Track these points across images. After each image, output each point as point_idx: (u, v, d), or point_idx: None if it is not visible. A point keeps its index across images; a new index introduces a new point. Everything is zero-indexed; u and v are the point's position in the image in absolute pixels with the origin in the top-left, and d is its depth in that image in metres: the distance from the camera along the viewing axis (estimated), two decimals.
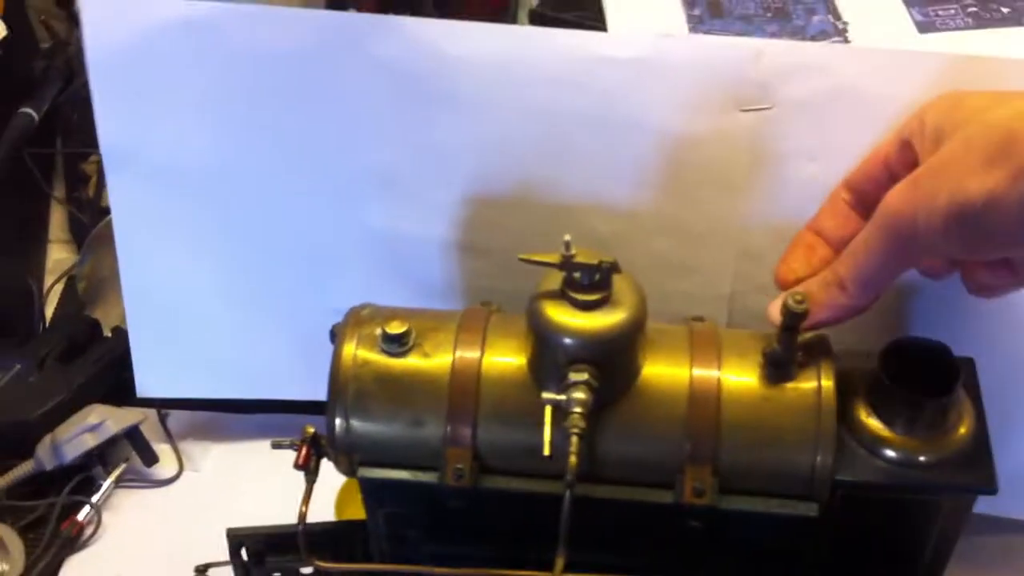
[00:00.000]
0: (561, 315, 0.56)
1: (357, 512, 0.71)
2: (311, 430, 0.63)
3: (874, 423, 0.59)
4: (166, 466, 0.86)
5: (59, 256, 1.01)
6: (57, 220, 1.03)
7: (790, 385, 0.59)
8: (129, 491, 0.84)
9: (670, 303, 0.70)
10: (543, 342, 0.57)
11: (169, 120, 0.73)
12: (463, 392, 0.60)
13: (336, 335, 0.62)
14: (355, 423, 0.61)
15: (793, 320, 0.56)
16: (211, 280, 0.79)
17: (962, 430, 0.59)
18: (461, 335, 0.61)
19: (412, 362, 0.60)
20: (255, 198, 0.75)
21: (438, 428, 0.60)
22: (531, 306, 0.57)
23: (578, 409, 0.55)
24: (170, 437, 0.87)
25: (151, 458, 0.84)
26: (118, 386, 0.86)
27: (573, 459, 0.54)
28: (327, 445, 0.62)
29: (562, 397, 0.55)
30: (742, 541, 0.61)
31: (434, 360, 0.60)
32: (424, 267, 0.75)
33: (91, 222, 0.98)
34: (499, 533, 0.63)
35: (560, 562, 0.56)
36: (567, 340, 0.56)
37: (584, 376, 0.55)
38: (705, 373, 0.59)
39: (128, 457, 0.84)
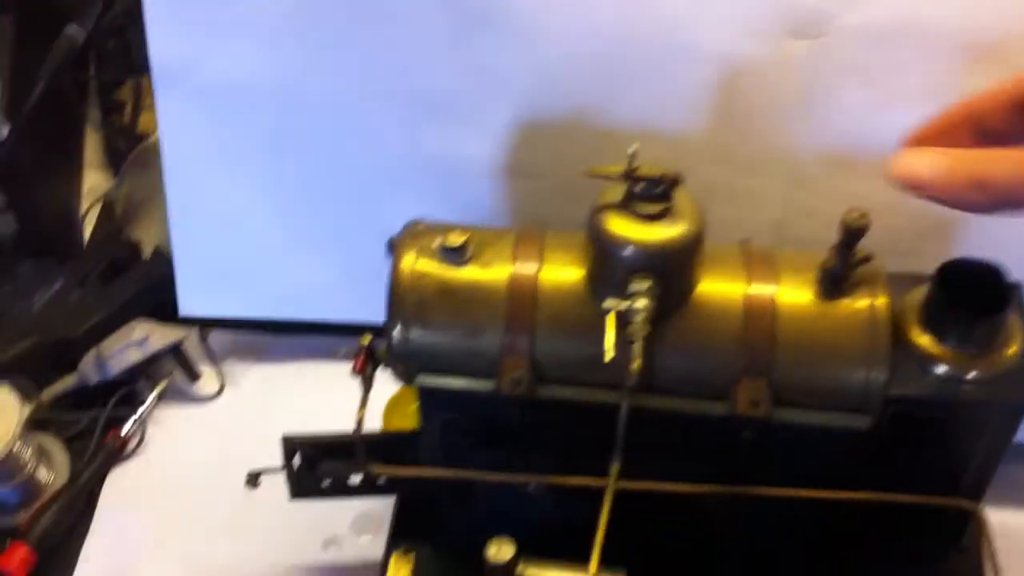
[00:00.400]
0: (623, 226, 0.57)
1: (403, 427, 0.73)
2: (367, 339, 0.64)
3: (926, 340, 0.60)
4: (208, 384, 0.87)
5: (94, 181, 1.02)
6: (92, 146, 1.03)
7: (845, 301, 0.60)
8: (172, 407, 0.86)
9: (720, 230, 0.70)
10: (604, 253, 0.58)
11: (221, 37, 0.74)
12: (521, 302, 0.60)
13: (394, 247, 0.63)
14: (414, 332, 0.61)
15: (852, 235, 0.57)
16: (259, 200, 0.79)
17: (1011, 350, 0.60)
18: (519, 248, 0.62)
19: (471, 273, 0.61)
20: (307, 118, 0.76)
21: (496, 338, 0.61)
22: (593, 217, 0.58)
23: (641, 316, 0.56)
24: (212, 355, 0.88)
25: (194, 375, 0.85)
26: (159, 307, 0.87)
27: (637, 363, 0.55)
28: (386, 353, 0.63)
29: (624, 305, 0.56)
30: (793, 455, 0.62)
31: (492, 271, 0.61)
32: (475, 190, 0.76)
33: (127, 147, 0.99)
34: (553, 443, 0.64)
35: (615, 468, 0.58)
36: (629, 250, 0.57)
37: (646, 285, 0.56)
38: (761, 288, 0.60)
39: (171, 373, 0.86)
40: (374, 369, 0.64)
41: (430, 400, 0.64)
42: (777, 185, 0.72)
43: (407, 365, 0.62)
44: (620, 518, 0.58)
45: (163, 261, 0.88)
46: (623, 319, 0.56)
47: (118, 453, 0.82)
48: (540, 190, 0.75)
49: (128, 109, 1.03)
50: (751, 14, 0.68)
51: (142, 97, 1.00)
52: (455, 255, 0.61)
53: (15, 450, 0.77)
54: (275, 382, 0.88)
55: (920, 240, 0.69)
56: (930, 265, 0.63)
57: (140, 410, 0.83)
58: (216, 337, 0.89)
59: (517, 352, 0.60)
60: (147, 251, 0.91)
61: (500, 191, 0.75)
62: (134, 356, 0.82)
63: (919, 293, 0.62)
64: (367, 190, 0.77)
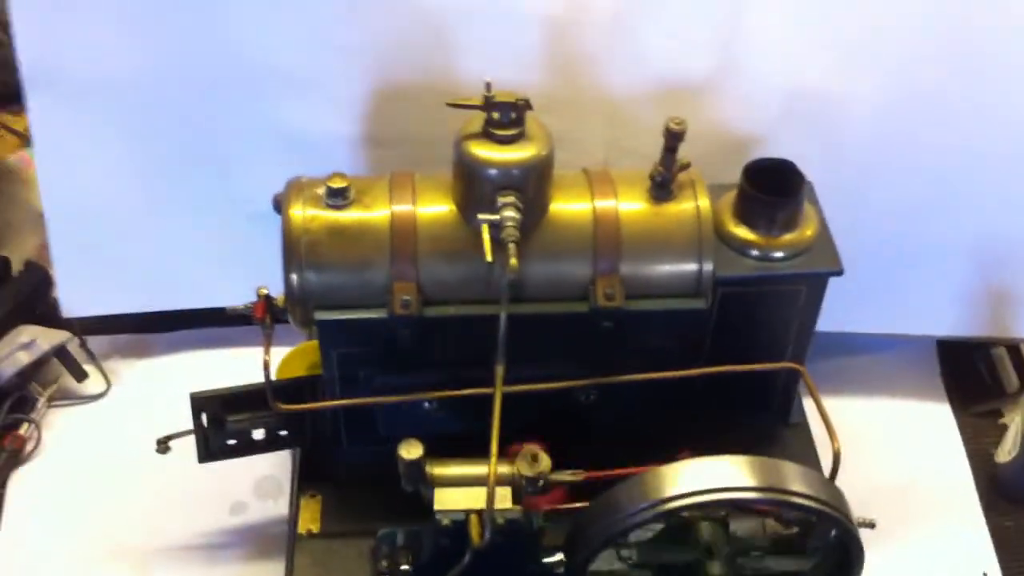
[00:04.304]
0: (486, 150, 0.67)
1: None
2: (264, 290, 0.71)
3: (740, 230, 0.73)
4: (94, 383, 0.90)
5: None
6: None
7: (673, 204, 0.71)
8: (62, 409, 0.89)
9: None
10: (472, 176, 0.67)
11: (87, 34, 0.78)
12: (403, 235, 0.69)
13: (281, 201, 0.70)
14: (309, 275, 0.69)
15: (674, 138, 0.68)
16: (130, 192, 0.84)
17: (809, 231, 0.73)
18: (394, 190, 0.71)
19: (355, 214, 0.69)
20: (169, 103, 0.81)
21: (384, 269, 0.69)
22: (458, 147, 0.67)
23: (511, 223, 0.65)
24: (93, 357, 0.92)
25: (81, 374, 0.89)
26: (34, 318, 0.90)
27: (514, 261, 0.64)
28: (284, 301, 0.70)
29: (496, 216, 0.66)
30: (645, 340, 0.72)
31: (374, 211, 0.70)
32: (332, 161, 0.82)
33: None
34: (442, 360, 0.72)
35: (500, 370, 0.66)
36: (493, 171, 0.66)
37: (511, 198, 0.66)
38: (604, 201, 0.71)
39: (57, 377, 0.89)
40: (273, 316, 0.71)
41: (328, 335, 0.71)
42: (599, 128, 0.83)
43: (304, 306, 0.70)
44: (505, 418, 0.67)
45: (36, 272, 0.91)
46: (495, 229, 0.65)
47: (17, 456, 0.84)
48: (393, 157, 0.82)
49: None
50: None
51: None
52: (339, 197, 0.69)
53: None
54: (158, 377, 0.92)
55: (722, 161, 0.81)
56: (731, 181, 0.75)
57: (34, 412, 0.86)
58: (95, 341, 0.93)
59: (404, 277, 0.69)
60: (16, 266, 0.93)
61: (356, 160, 0.83)
62: (24, 359, 0.85)
63: (730, 195, 0.74)
64: (230, 168, 0.84)
